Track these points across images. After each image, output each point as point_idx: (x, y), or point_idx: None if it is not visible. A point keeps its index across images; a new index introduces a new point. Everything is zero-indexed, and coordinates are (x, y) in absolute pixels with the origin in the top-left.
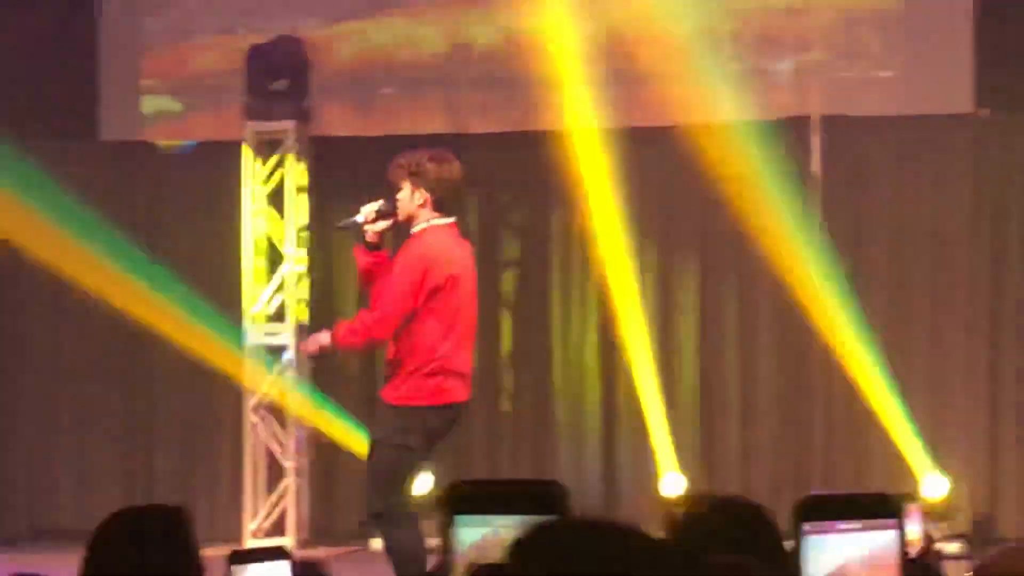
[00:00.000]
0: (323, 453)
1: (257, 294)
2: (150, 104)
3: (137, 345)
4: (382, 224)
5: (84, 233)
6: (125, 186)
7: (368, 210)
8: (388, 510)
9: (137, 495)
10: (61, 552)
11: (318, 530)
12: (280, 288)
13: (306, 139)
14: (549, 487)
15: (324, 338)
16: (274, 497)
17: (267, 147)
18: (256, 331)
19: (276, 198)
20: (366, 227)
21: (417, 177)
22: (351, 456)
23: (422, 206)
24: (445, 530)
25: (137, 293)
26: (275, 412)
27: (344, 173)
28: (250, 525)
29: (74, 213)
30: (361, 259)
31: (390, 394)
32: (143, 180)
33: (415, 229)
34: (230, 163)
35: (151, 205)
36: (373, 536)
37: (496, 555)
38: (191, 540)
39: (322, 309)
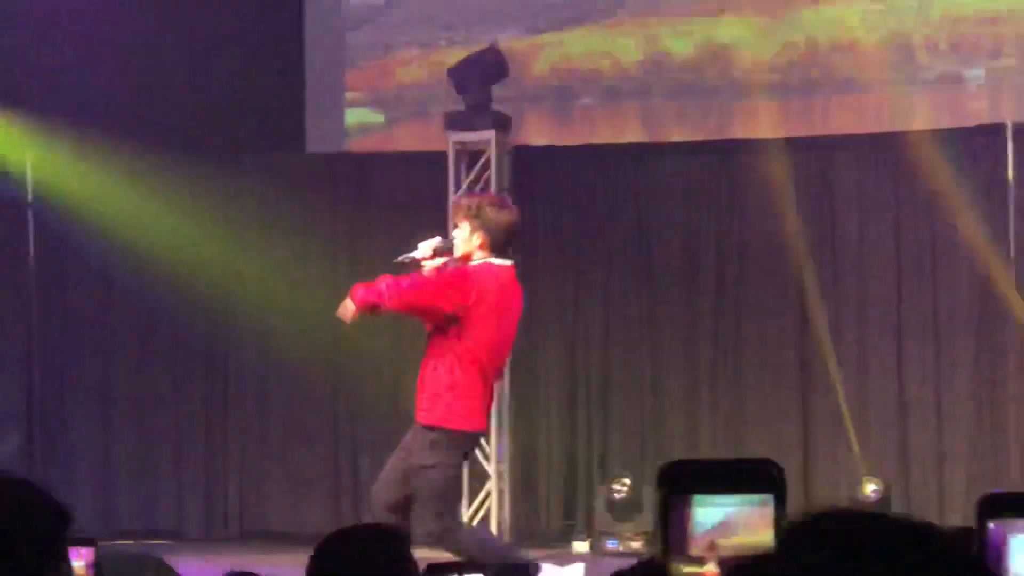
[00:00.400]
0: (524, 458)
1: None
2: (354, 116)
3: (342, 355)
4: (438, 261)
5: (287, 244)
6: (329, 197)
7: (426, 246)
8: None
9: (343, 499)
10: (270, 553)
11: (520, 534)
12: None
13: (507, 149)
14: (765, 465)
15: (349, 305)
16: (477, 501)
17: (469, 157)
18: None
19: None
20: (423, 263)
21: (477, 219)
22: (552, 460)
23: (480, 247)
24: (663, 509)
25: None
26: None
27: (544, 182)
28: None
29: (277, 225)
30: None
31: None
32: (348, 191)
33: (472, 265)
34: (433, 174)
35: (356, 216)
36: (576, 539)
37: (732, 535)
38: (413, 565)
39: (524, 318)
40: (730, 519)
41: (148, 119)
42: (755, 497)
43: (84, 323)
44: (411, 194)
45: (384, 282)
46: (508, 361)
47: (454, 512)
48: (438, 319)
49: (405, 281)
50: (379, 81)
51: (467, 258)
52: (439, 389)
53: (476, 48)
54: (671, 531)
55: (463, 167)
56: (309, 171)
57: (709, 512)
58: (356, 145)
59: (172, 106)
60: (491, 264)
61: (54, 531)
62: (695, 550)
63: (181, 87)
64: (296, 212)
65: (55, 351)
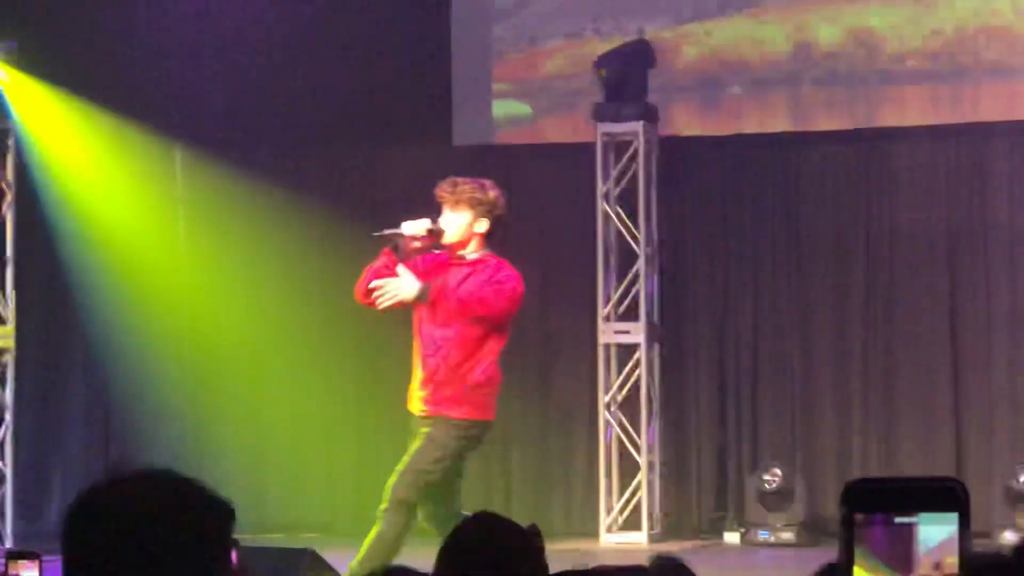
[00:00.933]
0: (676, 449)
1: (609, 293)
2: (501, 108)
3: None
4: (426, 243)
5: None
6: None
7: (418, 227)
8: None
9: (495, 491)
10: (419, 546)
11: (671, 525)
12: (632, 286)
13: (654, 139)
14: (951, 483)
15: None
16: (628, 492)
17: (617, 148)
18: (608, 329)
19: (626, 198)
20: (412, 243)
21: (484, 206)
22: (702, 451)
23: (483, 236)
24: (847, 527)
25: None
26: (628, 408)
27: (692, 173)
28: (605, 520)
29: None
30: (387, 263)
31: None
32: (497, 183)
33: (473, 255)
34: (580, 165)
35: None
36: (726, 530)
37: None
38: (543, 562)
39: (672, 307)
40: (951, 538)
41: (295, 115)
42: (938, 516)
43: (237, 318)
44: (558, 186)
45: (485, 294)
46: (658, 351)
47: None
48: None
49: (492, 295)
50: (526, 72)
51: (462, 244)
52: (479, 382)
53: (623, 38)
54: (887, 552)
55: (611, 158)
56: (456, 164)
57: (933, 531)
58: (503, 137)
59: (320, 101)
60: (501, 259)
61: (221, 528)
62: (922, 570)
63: (328, 83)
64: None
65: (208, 346)
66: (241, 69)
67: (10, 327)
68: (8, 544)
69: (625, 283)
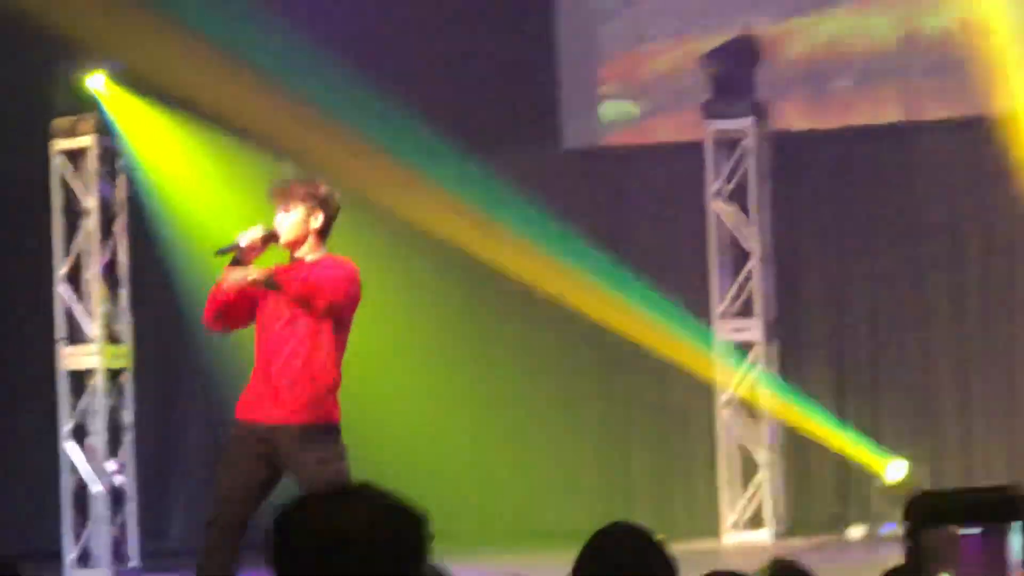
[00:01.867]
0: (796, 445)
1: (724, 291)
2: (610, 110)
3: (608, 347)
4: (264, 249)
5: (550, 241)
6: (588, 191)
7: (253, 235)
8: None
9: (615, 493)
10: (540, 552)
11: (793, 522)
12: (746, 284)
13: (764, 135)
14: (1009, 493)
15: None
16: (749, 491)
17: (727, 145)
18: (724, 327)
19: (738, 195)
20: (251, 252)
21: (315, 200)
22: (823, 447)
23: (317, 231)
24: (913, 538)
25: (603, 296)
26: (746, 407)
27: (803, 167)
28: (728, 519)
29: (540, 222)
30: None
31: (319, 413)
32: (606, 185)
33: (311, 256)
34: (692, 163)
35: (614, 209)
36: (848, 525)
37: None
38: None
39: (787, 304)
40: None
41: (404, 120)
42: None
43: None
44: (669, 185)
45: (313, 277)
46: (769, 348)
47: None
48: (330, 312)
49: (326, 282)
50: (633, 72)
51: (299, 242)
52: (329, 384)
53: (729, 35)
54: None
55: (721, 156)
56: (566, 167)
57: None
58: (612, 138)
59: (428, 107)
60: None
61: (418, 542)
62: None
63: (435, 88)
64: (555, 208)
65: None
66: (350, 80)
67: (127, 347)
68: (134, 563)
69: (739, 280)
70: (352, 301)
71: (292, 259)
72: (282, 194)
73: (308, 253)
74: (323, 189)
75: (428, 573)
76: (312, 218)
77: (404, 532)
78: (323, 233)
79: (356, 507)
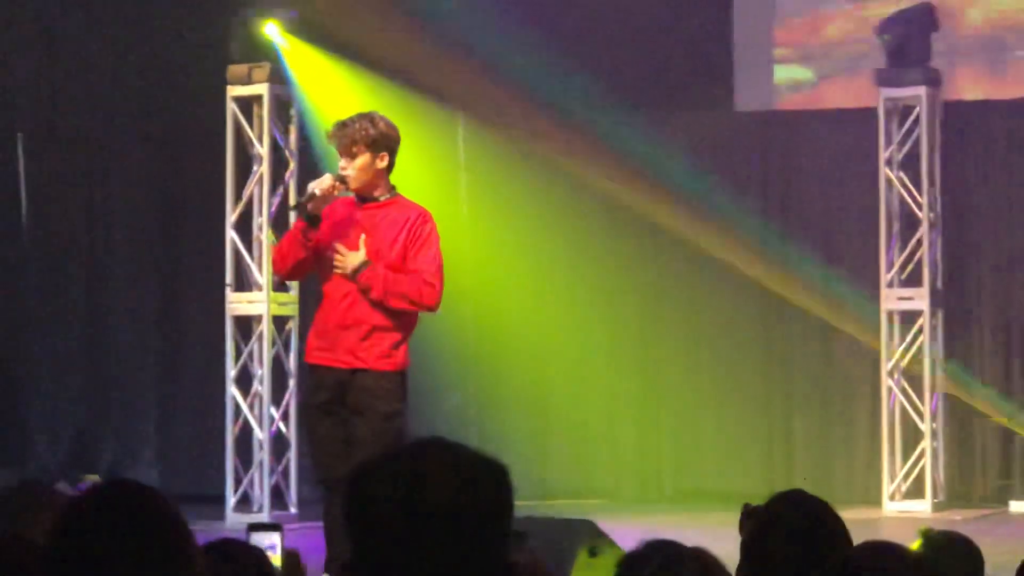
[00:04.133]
0: (959, 417)
1: (892, 259)
2: (783, 74)
3: (773, 312)
4: (335, 195)
5: (716, 203)
6: (759, 155)
7: (324, 183)
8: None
9: (776, 457)
10: (700, 512)
11: (955, 493)
12: (915, 253)
13: (938, 104)
14: None
15: (360, 261)
16: (910, 461)
17: (900, 113)
18: (891, 295)
19: (909, 163)
20: (325, 201)
21: (378, 143)
22: (986, 420)
23: (383, 170)
24: None
25: (770, 261)
26: (911, 376)
27: (976, 137)
28: (888, 488)
29: (706, 183)
30: (311, 239)
31: (393, 361)
32: (777, 149)
33: (388, 195)
34: (863, 130)
35: (785, 174)
36: (1013, 498)
37: None
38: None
39: (956, 272)
40: None
41: (577, 78)
42: None
43: (515, 292)
44: (841, 152)
45: (416, 288)
46: (935, 317)
47: None
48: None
49: (431, 280)
50: (808, 37)
51: (369, 186)
52: (400, 331)
53: (906, 2)
54: None
55: (894, 124)
56: (738, 129)
57: None
58: (786, 103)
59: (602, 68)
60: (407, 199)
61: (497, 494)
62: None
63: (610, 49)
64: (726, 171)
65: (490, 313)
66: (521, 36)
67: (293, 294)
68: (294, 510)
69: (908, 249)
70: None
71: (362, 200)
72: (343, 140)
73: (380, 193)
74: (381, 127)
75: (513, 529)
76: (378, 160)
77: (485, 488)
78: (389, 169)
79: (434, 464)
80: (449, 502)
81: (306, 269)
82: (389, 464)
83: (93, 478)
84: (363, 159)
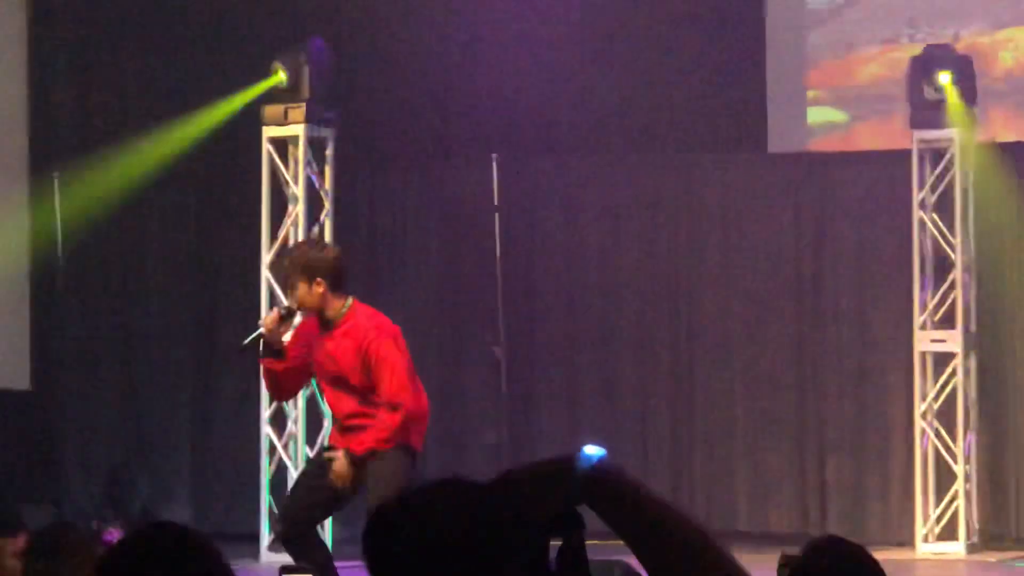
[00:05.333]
0: (994, 458)
1: (925, 301)
2: (816, 115)
3: (806, 353)
4: (284, 327)
5: (749, 244)
6: (792, 197)
7: (269, 319)
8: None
9: (810, 499)
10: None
11: (989, 535)
12: (948, 294)
13: (972, 146)
14: None
15: (344, 466)
16: (944, 503)
17: (933, 155)
18: (924, 337)
19: (942, 205)
20: (271, 336)
21: (307, 270)
22: (1021, 459)
23: (323, 295)
24: None
25: (802, 302)
26: (945, 417)
27: (1011, 179)
28: (921, 530)
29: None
30: (274, 368)
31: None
32: (810, 191)
33: (339, 315)
34: (896, 172)
35: (817, 215)
36: None
37: None
38: None
39: (988, 316)
40: None
41: (610, 121)
42: None
43: (552, 323)
44: (873, 193)
45: (382, 421)
46: (971, 362)
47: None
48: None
49: (393, 401)
50: (841, 79)
51: (319, 307)
52: None
53: (940, 42)
54: None
55: (926, 166)
56: (770, 171)
57: None
58: (818, 144)
59: (635, 107)
60: (358, 308)
61: (515, 533)
62: None
63: (644, 89)
64: (758, 212)
65: (523, 355)
66: (557, 75)
67: None
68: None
69: (942, 291)
70: (404, 355)
71: (323, 322)
72: (279, 273)
73: (332, 315)
74: (310, 255)
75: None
76: (315, 286)
77: (499, 527)
78: (335, 288)
79: (448, 505)
80: (464, 542)
81: (301, 385)
82: (404, 506)
83: (117, 528)
84: (301, 289)
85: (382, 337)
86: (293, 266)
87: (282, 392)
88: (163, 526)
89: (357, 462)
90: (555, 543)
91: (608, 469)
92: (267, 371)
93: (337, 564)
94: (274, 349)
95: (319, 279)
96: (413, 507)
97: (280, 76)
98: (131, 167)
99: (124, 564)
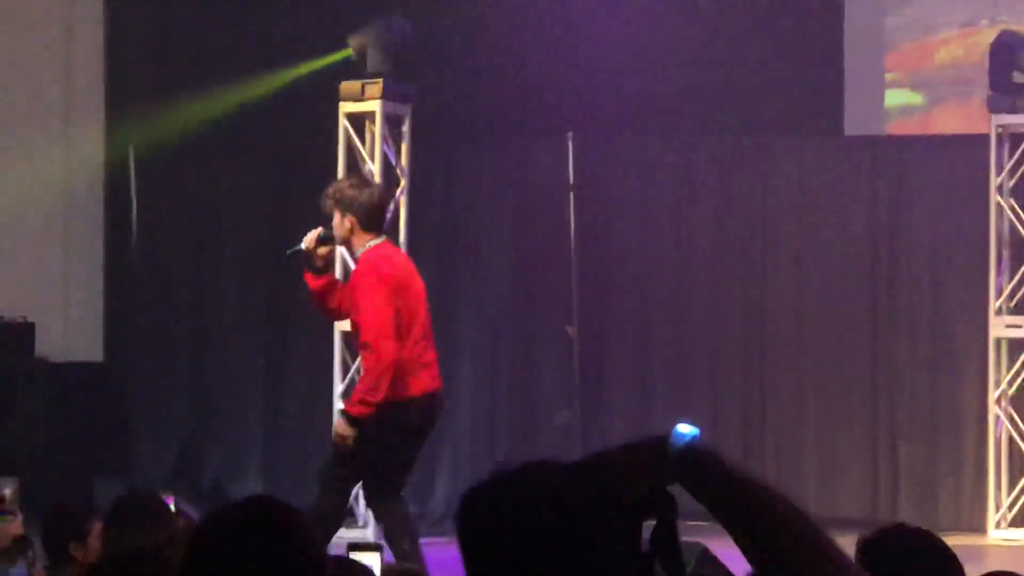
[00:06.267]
0: None
1: (1001, 286)
2: (894, 98)
3: (879, 337)
4: (323, 249)
5: (823, 228)
6: (868, 181)
7: (309, 237)
8: None
9: (882, 485)
10: None
11: None
12: None
13: None
14: None
15: (342, 426)
16: (1017, 489)
17: (1012, 139)
18: (999, 323)
19: (1021, 190)
20: (311, 252)
21: (340, 204)
22: None
23: (351, 230)
24: None
25: (877, 286)
26: (1019, 403)
27: None
28: (993, 516)
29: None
30: (311, 283)
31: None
32: (886, 175)
33: (358, 253)
34: (974, 156)
35: (893, 199)
36: None
37: None
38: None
39: None
40: None
41: (686, 103)
42: None
43: (624, 303)
44: (950, 177)
45: (363, 378)
46: None
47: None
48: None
49: (368, 349)
50: (918, 62)
51: (346, 241)
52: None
53: (1018, 26)
54: None
55: (1004, 150)
56: (847, 154)
57: None
58: (896, 128)
59: (712, 90)
60: (373, 248)
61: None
62: None
63: (721, 72)
64: (834, 196)
65: (595, 336)
66: (633, 54)
67: None
68: None
69: (1018, 277)
70: (386, 299)
71: (354, 260)
72: (322, 203)
73: (353, 252)
74: (344, 192)
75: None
76: (346, 221)
77: (593, 510)
78: (365, 226)
79: (541, 489)
80: (560, 525)
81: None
82: (497, 489)
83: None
84: (335, 219)
85: (365, 270)
86: (331, 197)
87: (325, 310)
88: (258, 500)
89: (353, 422)
90: (648, 524)
91: (703, 448)
92: (310, 287)
93: None
94: (312, 264)
95: (350, 215)
96: (507, 490)
97: (349, 51)
98: (204, 121)
99: (219, 535)
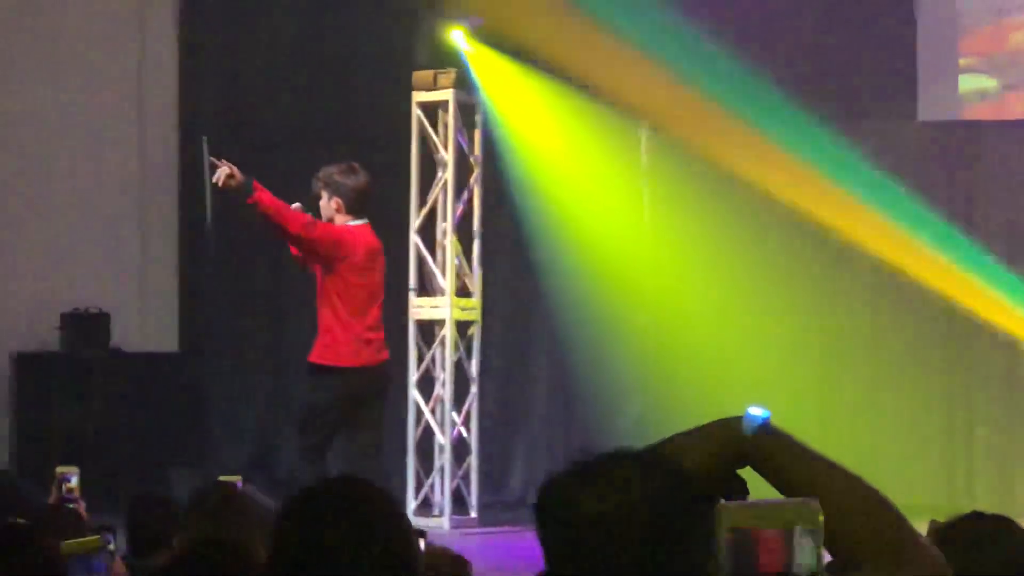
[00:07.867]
0: None
1: None
2: (968, 83)
3: (957, 323)
4: (228, 178)
5: (904, 216)
6: (943, 166)
7: (222, 175)
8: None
9: (957, 470)
10: None
11: None
12: None
13: None
14: None
15: (239, 176)
16: None
17: None
18: None
19: None
20: (227, 188)
21: (328, 187)
22: None
23: (337, 211)
24: None
25: (955, 273)
26: None
27: None
28: None
29: (894, 195)
30: (253, 202)
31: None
32: (961, 160)
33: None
34: None
35: (969, 184)
36: None
37: None
38: None
39: None
40: None
41: (760, 87)
42: None
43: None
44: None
45: (295, 214)
46: None
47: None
48: (318, 259)
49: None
50: (992, 46)
51: (330, 221)
52: (321, 330)
53: None
54: None
55: None
56: (921, 139)
57: None
58: (970, 112)
59: (785, 78)
60: (350, 227)
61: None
62: None
63: (792, 59)
64: (909, 181)
65: (670, 322)
66: (707, 44)
67: (476, 300)
68: (474, 514)
69: None
70: (340, 234)
71: None
72: (313, 184)
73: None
74: (333, 176)
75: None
76: (331, 201)
77: (676, 497)
78: (349, 209)
79: (622, 478)
80: (638, 513)
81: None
82: (577, 479)
83: (234, 479)
84: (322, 199)
85: (333, 226)
86: (320, 179)
87: (280, 235)
88: (348, 479)
89: (250, 192)
90: None
91: (775, 430)
92: (257, 213)
93: (482, 530)
94: (241, 191)
95: (337, 197)
96: (585, 479)
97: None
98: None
99: (311, 513)
